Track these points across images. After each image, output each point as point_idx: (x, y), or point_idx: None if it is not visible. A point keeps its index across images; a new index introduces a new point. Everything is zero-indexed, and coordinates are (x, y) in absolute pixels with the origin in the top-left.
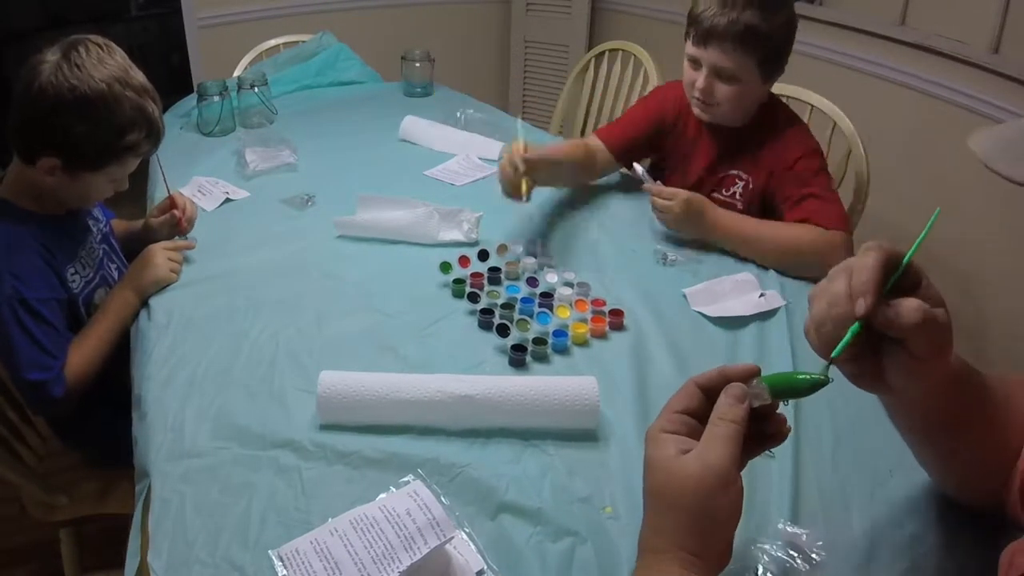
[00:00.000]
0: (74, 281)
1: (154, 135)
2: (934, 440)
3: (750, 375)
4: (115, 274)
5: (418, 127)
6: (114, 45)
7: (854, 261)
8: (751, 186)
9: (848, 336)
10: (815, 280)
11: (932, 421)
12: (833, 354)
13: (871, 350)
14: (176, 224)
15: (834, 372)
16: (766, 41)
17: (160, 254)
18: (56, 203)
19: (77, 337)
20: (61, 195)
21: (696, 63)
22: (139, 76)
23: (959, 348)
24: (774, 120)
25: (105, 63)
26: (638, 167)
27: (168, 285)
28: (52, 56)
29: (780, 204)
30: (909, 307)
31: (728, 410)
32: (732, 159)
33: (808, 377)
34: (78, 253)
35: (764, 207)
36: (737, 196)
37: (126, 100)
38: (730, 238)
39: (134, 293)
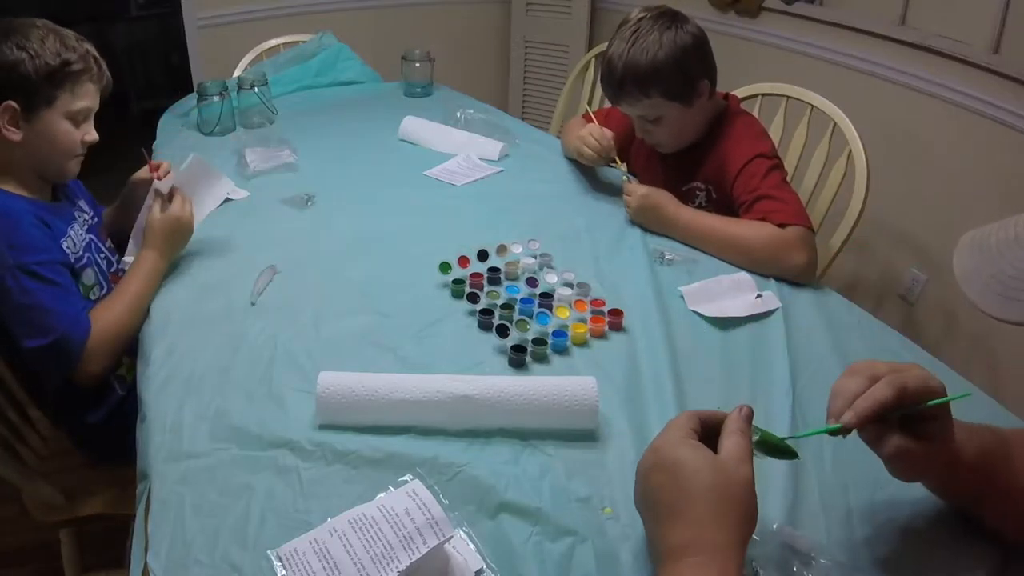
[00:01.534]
0: (68, 254)
1: (90, 59)
2: (957, 505)
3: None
4: (103, 263)
5: (418, 127)
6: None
7: (882, 382)
8: (714, 195)
9: (819, 430)
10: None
11: (947, 495)
12: (796, 435)
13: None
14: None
15: None
16: (658, 76)
17: (180, 215)
18: (39, 181)
19: (104, 300)
20: (33, 153)
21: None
22: (66, 31)
23: (964, 352)
24: (723, 128)
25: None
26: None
27: (190, 234)
28: None
29: (736, 209)
30: (888, 443)
31: (747, 427)
32: (690, 172)
33: (786, 447)
34: (66, 232)
35: (733, 214)
36: (702, 206)
37: (52, 31)
38: (687, 234)
39: (165, 262)
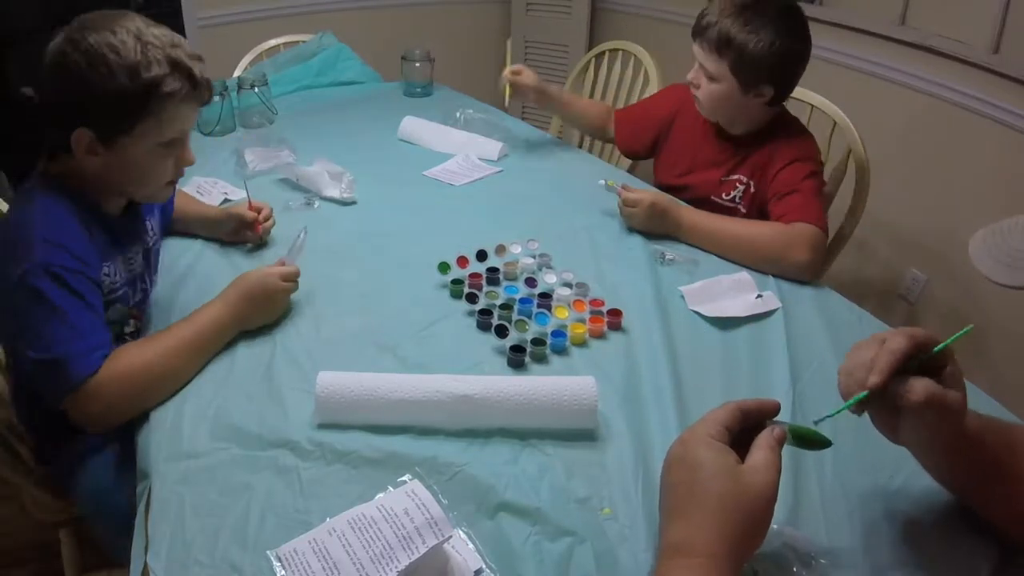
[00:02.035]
0: (103, 282)
1: (181, 71)
2: (964, 491)
3: (775, 412)
4: (139, 295)
5: (417, 127)
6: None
7: (889, 337)
8: (752, 190)
9: (850, 402)
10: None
11: (955, 475)
12: (828, 413)
13: (889, 406)
14: (249, 224)
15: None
16: (740, 52)
17: (278, 284)
18: (114, 201)
19: (143, 339)
20: (118, 181)
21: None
22: (160, 30)
23: (964, 352)
24: (779, 131)
25: (112, 26)
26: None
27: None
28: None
29: (768, 200)
30: (917, 387)
31: (778, 445)
32: (736, 165)
33: (820, 436)
34: (115, 257)
35: (762, 210)
36: (737, 200)
37: (136, 41)
38: (693, 235)
39: (234, 322)
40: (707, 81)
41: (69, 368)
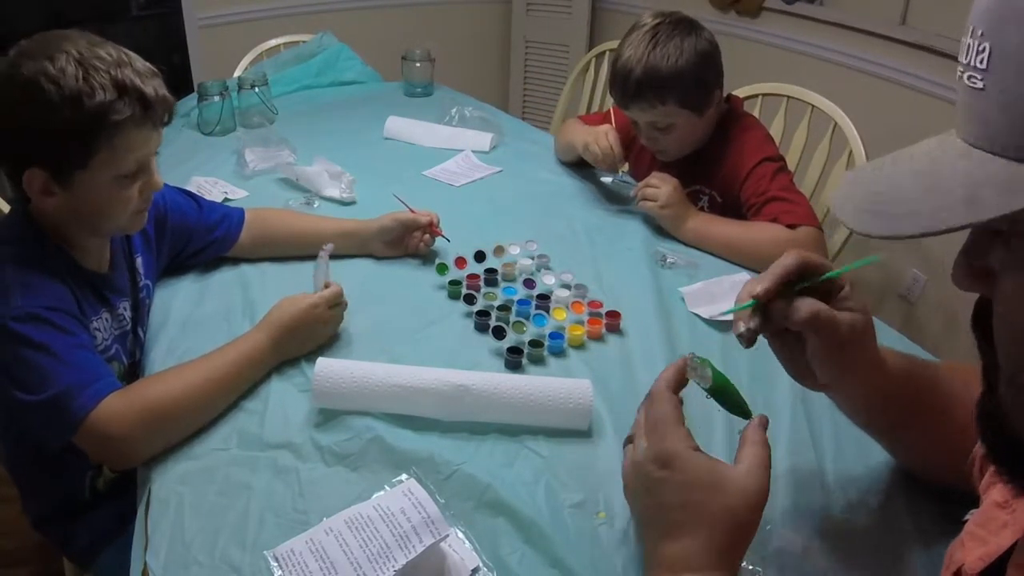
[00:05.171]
0: (95, 336)
1: (130, 94)
2: (885, 433)
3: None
4: (138, 352)
5: (403, 126)
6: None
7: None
8: (718, 200)
9: (740, 306)
10: None
11: (876, 416)
12: (723, 311)
13: (799, 346)
14: (426, 228)
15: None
16: (676, 81)
17: (325, 314)
18: (92, 256)
19: (168, 369)
20: (83, 219)
21: (635, 122)
22: (107, 49)
23: (964, 351)
24: (727, 133)
25: (51, 52)
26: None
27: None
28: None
29: (745, 213)
30: (801, 305)
31: (765, 437)
32: (694, 176)
33: (743, 405)
34: (101, 312)
35: (739, 217)
36: (705, 210)
37: (76, 67)
38: (697, 235)
39: (275, 355)
40: (662, 133)
41: (69, 404)
